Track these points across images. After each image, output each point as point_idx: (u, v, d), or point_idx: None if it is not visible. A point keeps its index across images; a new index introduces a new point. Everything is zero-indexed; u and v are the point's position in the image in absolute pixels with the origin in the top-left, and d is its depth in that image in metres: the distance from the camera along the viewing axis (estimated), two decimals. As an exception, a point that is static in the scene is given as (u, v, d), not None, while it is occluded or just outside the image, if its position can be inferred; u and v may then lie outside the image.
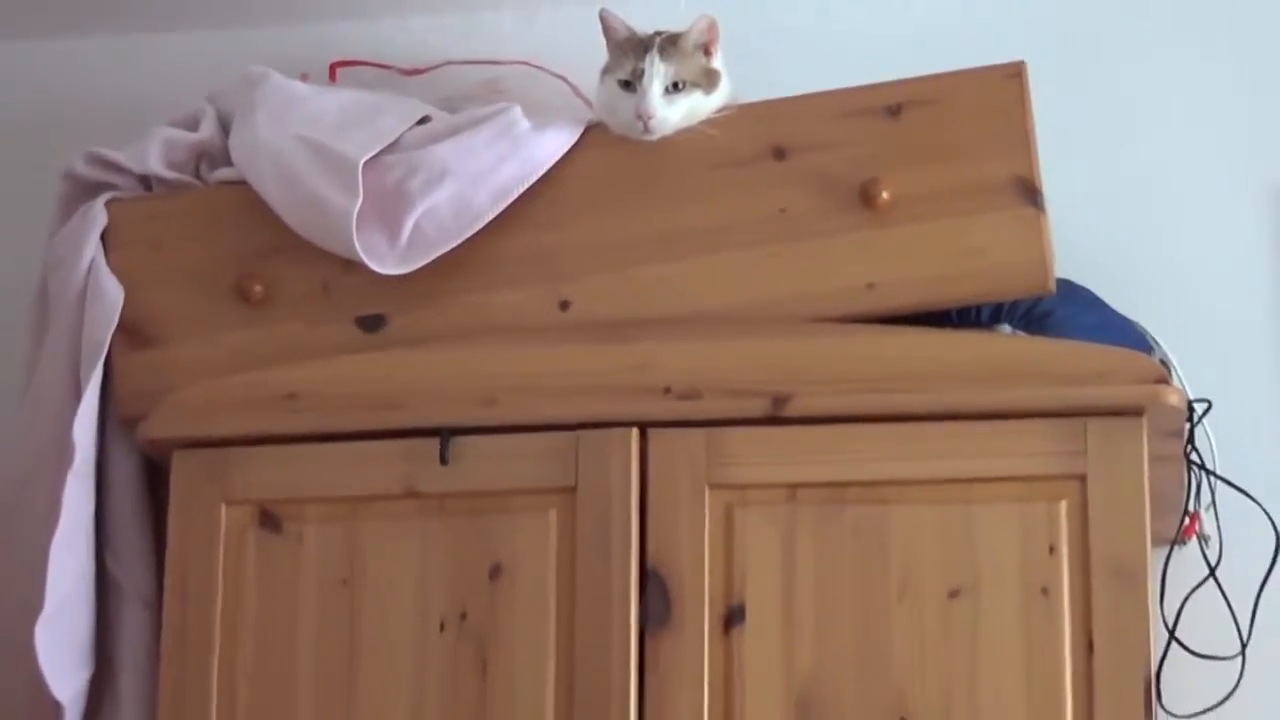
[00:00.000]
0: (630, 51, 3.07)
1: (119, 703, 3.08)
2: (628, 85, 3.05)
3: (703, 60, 3.09)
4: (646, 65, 3.04)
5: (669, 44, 3.06)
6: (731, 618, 2.89)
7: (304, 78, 3.25)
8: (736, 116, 3.07)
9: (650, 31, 3.07)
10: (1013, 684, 2.81)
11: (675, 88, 3.05)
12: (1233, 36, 3.56)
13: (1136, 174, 3.50)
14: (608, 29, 3.10)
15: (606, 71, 3.10)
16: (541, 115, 3.10)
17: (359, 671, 2.94)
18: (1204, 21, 3.55)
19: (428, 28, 3.42)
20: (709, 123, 3.05)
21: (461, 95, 3.22)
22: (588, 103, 3.26)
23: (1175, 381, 2.96)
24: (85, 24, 3.64)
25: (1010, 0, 3.48)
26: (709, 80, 3.08)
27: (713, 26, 3.08)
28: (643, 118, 3.02)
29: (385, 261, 3.00)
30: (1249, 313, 3.47)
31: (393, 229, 3.00)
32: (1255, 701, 3.20)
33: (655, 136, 3.03)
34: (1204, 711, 3.16)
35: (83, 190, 3.21)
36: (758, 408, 2.92)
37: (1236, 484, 3.17)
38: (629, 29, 3.09)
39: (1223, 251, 3.49)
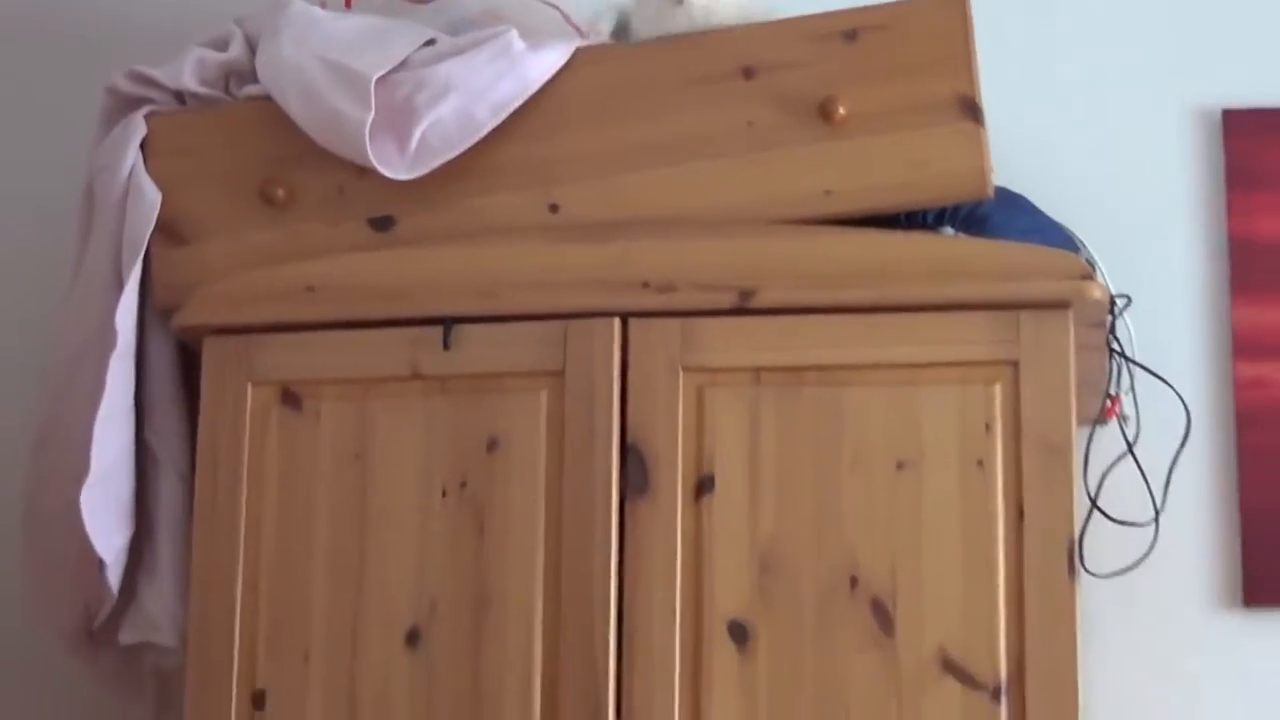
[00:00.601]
0: None
1: (157, 561, 3.08)
2: None
3: None
4: None
5: None
6: (702, 487, 2.90)
7: (323, 4, 3.23)
8: (710, 39, 3.04)
9: None
10: (951, 546, 2.82)
11: None
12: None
13: (1069, 91, 3.50)
14: None
15: None
16: (536, 38, 3.07)
17: (369, 533, 2.95)
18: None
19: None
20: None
21: (464, 21, 3.19)
22: (577, 29, 3.23)
23: (1099, 278, 2.95)
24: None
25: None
26: None
27: None
28: None
29: (395, 168, 2.98)
30: (1167, 218, 3.48)
31: (402, 139, 2.98)
32: (1166, 562, 3.23)
33: (685, 3, 3.03)
34: (1121, 572, 3.18)
35: (124, 104, 3.19)
36: (726, 300, 2.92)
37: (1153, 370, 3.18)
38: None
39: (1145, 163, 3.49)
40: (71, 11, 3.69)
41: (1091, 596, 3.04)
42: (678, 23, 3.05)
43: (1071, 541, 2.81)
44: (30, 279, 3.51)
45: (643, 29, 3.13)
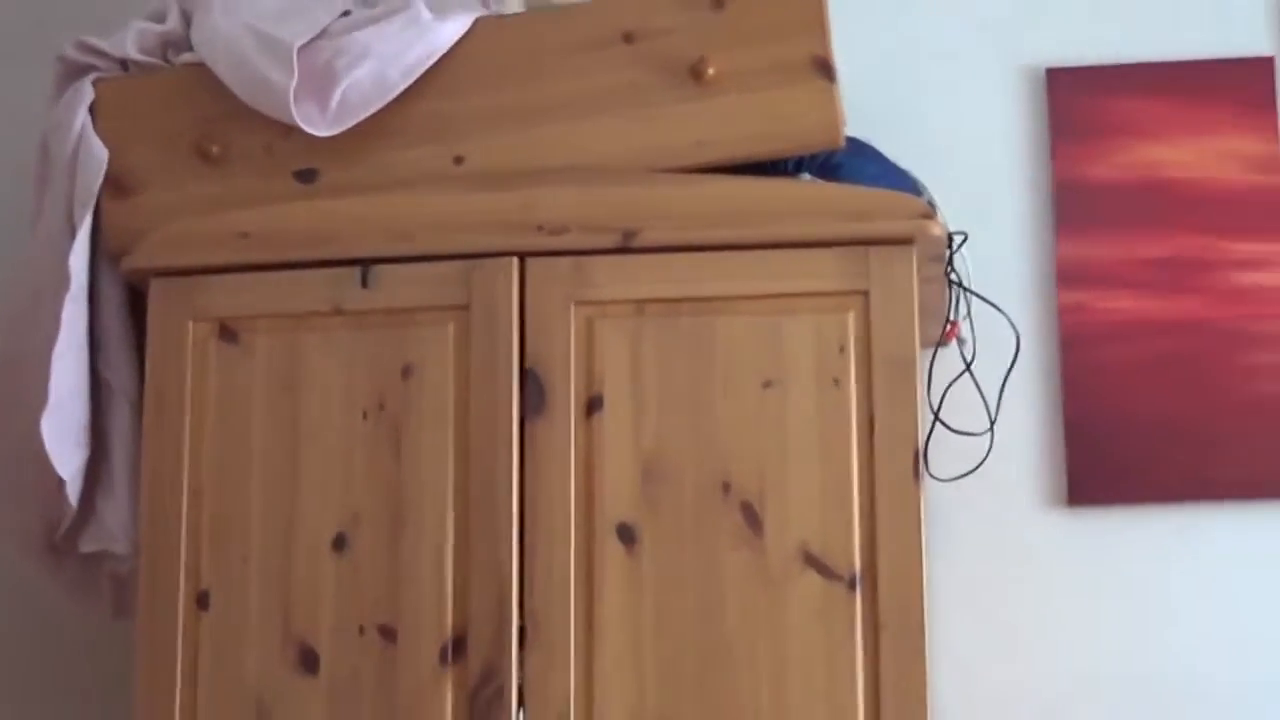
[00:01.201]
0: None
1: (112, 479, 3.08)
2: None
3: None
4: None
5: None
6: (592, 406, 2.91)
7: (250, -20, 3.23)
8: (594, 8, 3.05)
9: None
10: (811, 455, 2.85)
11: None
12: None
13: (913, 51, 3.52)
14: None
15: None
16: (442, 9, 3.07)
17: (299, 451, 2.96)
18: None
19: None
20: None
21: None
22: (480, 1, 3.22)
23: (938, 218, 2.97)
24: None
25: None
26: None
27: None
28: None
29: (317, 126, 2.98)
30: (1000, 164, 3.51)
31: (323, 99, 2.98)
32: (1000, 467, 3.27)
33: None
34: (961, 476, 3.23)
35: (74, 71, 3.17)
36: (611, 240, 2.94)
37: (987, 298, 3.22)
38: None
39: (981, 116, 3.52)
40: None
41: (935, 497, 3.11)
42: None
43: (916, 450, 2.84)
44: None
45: None
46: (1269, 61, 3.48)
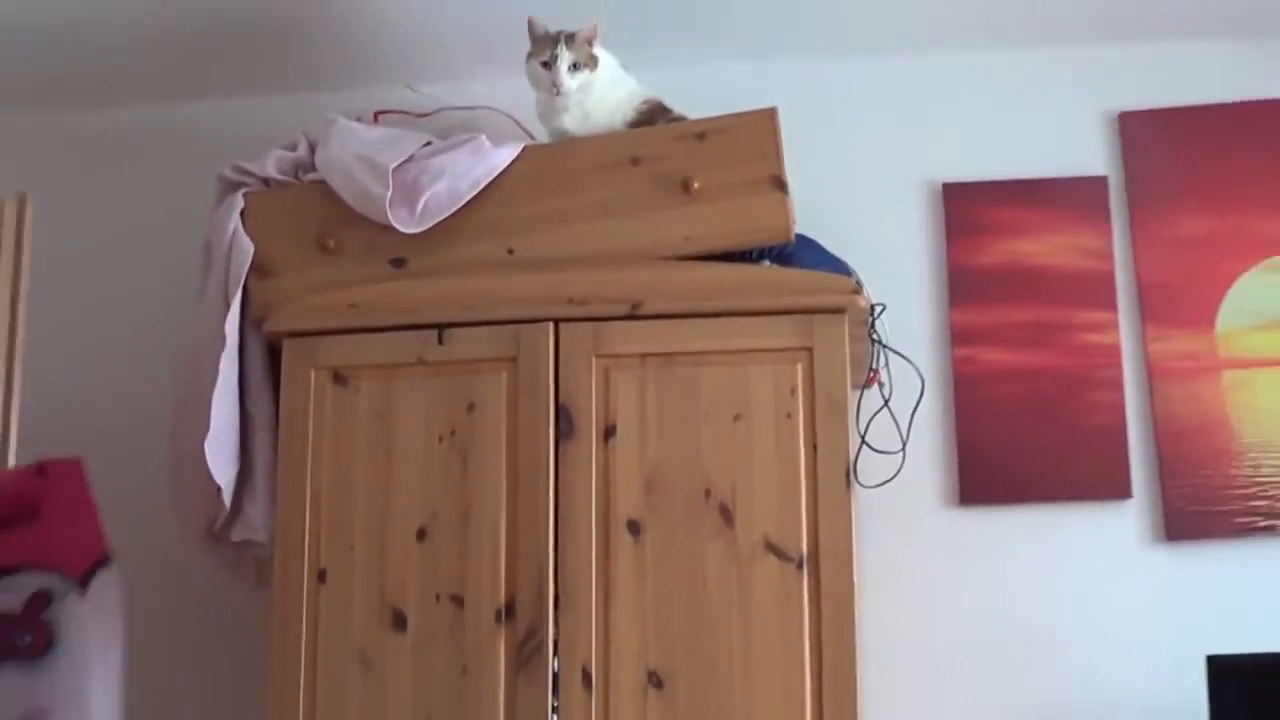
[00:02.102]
0: (547, 42, 3.02)
1: (255, 487, 3.03)
2: (545, 65, 3.01)
3: (588, 49, 3.02)
4: (558, 51, 2.99)
5: (569, 38, 3.00)
6: (609, 433, 2.87)
7: (359, 120, 3.18)
8: (610, 140, 3.02)
9: (556, 30, 3.01)
10: (770, 469, 2.82)
11: (575, 67, 3.00)
12: (905, 74, 3.51)
13: (844, 169, 3.43)
14: (532, 27, 3.04)
15: (532, 56, 3.04)
16: (498, 139, 3.04)
17: (392, 467, 2.91)
18: (881, 50, 3.48)
19: (444, 90, 3.34)
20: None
21: (450, 128, 3.16)
22: (527, 132, 3.19)
23: (864, 293, 2.94)
24: (236, 89, 3.59)
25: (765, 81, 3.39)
26: (592, 62, 3.02)
27: (594, 28, 3.02)
28: (556, 84, 2.99)
29: (407, 226, 2.96)
30: (909, 253, 3.43)
31: (411, 206, 2.95)
32: (910, 477, 3.20)
33: (562, 95, 3.01)
34: (881, 484, 3.15)
35: (229, 186, 3.14)
36: (623, 310, 2.90)
37: (900, 352, 3.15)
38: (545, 28, 3.03)
39: (894, 218, 3.44)
40: (198, 125, 3.60)
41: (862, 500, 3.05)
42: (559, 105, 3.03)
43: (848, 465, 2.81)
44: (169, 309, 3.39)
45: (541, 122, 3.11)
46: (1104, 179, 3.42)
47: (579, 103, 3.03)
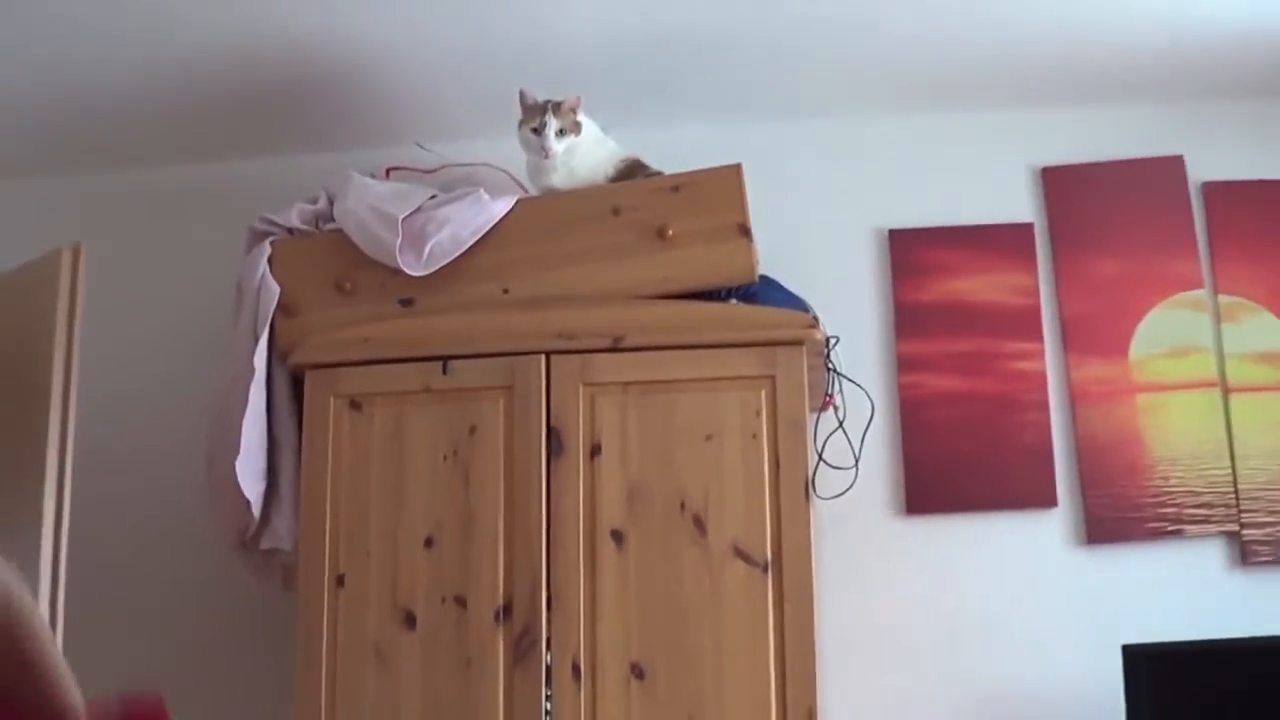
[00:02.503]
0: (536, 111, 2.99)
1: (281, 502, 2.98)
2: (535, 131, 2.98)
3: (572, 116, 3.00)
4: (546, 119, 2.97)
5: (556, 106, 2.98)
6: (594, 451, 2.83)
7: (372, 175, 3.15)
8: (594, 193, 2.99)
9: (545, 99, 2.99)
10: (738, 483, 2.78)
11: (561, 133, 2.98)
12: (854, 134, 3.45)
13: (801, 215, 3.37)
14: (523, 98, 3.01)
15: (523, 123, 3.01)
16: (495, 192, 3.00)
17: (402, 481, 2.86)
18: (832, 112, 3.43)
19: (449, 149, 3.30)
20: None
21: (453, 183, 3.14)
22: (521, 186, 3.14)
23: (820, 327, 2.90)
24: (263, 149, 3.54)
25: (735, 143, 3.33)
26: (576, 128, 3.00)
27: (577, 99, 3.00)
28: (545, 149, 2.97)
29: (415, 269, 2.92)
30: (859, 292, 3.38)
31: (418, 252, 2.91)
32: (861, 490, 3.14)
33: (550, 159, 2.98)
34: (836, 496, 3.10)
35: (258, 235, 3.10)
36: (606, 343, 2.86)
37: (852, 379, 3.13)
38: (535, 98, 3.00)
39: (845, 260, 3.39)
40: (231, 182, 3.55)
41: (820, 510, 3.00)
42: (548, 166, 3.01)
43: (807, 479, 2.79)
44: (205, 343, 3.33)
45: (530, 181, 3.09)
46: (1029, 226, 3.38)
47: (565, 163, 3.00)
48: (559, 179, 3.01)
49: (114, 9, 2.95)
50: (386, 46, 3.13)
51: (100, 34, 3.03)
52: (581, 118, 3.01)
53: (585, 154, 3.02)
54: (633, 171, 3.04)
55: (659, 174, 3.01)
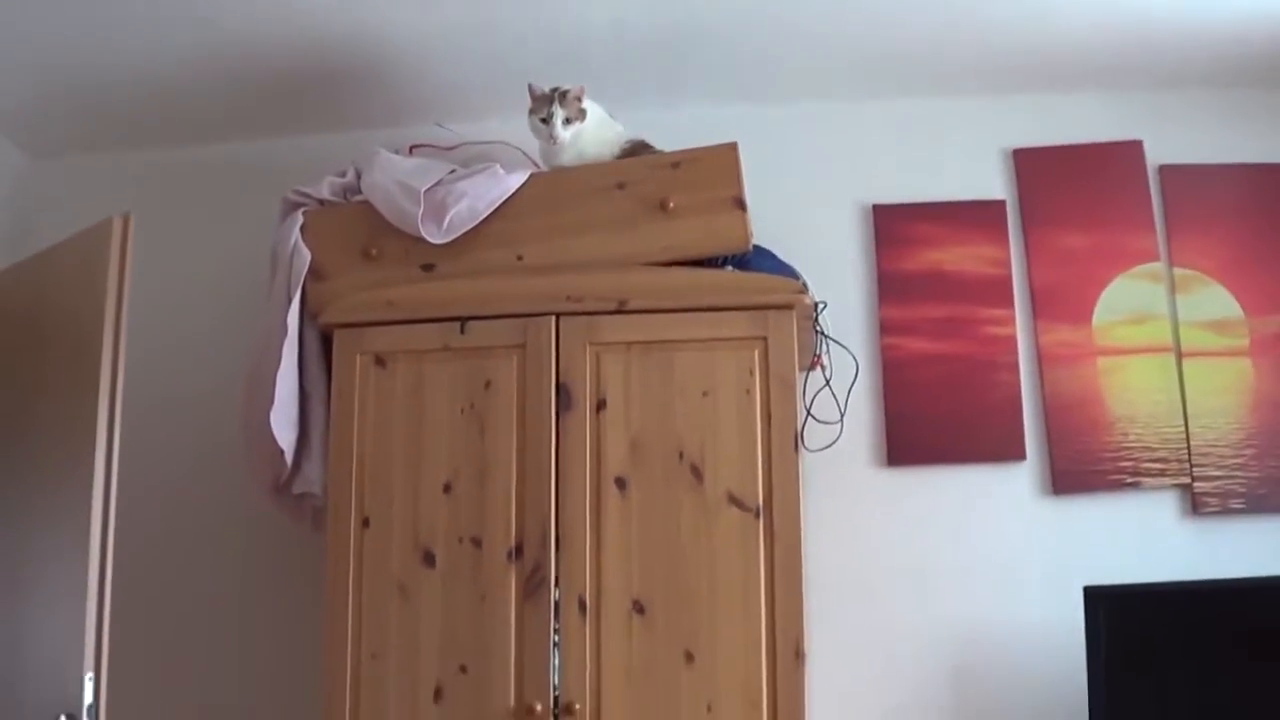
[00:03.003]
0: (544, 101, 2.91)
1: (312, 450, 2.89)
2: (544, 120, 2.90)
3: (578, 104, 2.91)
4: (553, 108, 2.89)
5: (562, 95, 2.90)
6: (600, 406, 2.75)
7: (396, 152, 3.06)
8: (600, 169, 2.90)
9: (551, 89, 2.91)
10: (732, 437, 2.71)
11: (567, 121, 2.89)
12: (842, 116, 3.36)
13: (793, 190, 3.27)
14: (531, 90, 2.93)
15: (532, 113, 2.93)
16: (510, 167, 2.92)
17: (422, 432, 2.78)
18: (823, 96, 3.34)
19: (467, 128, 3.23)
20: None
21: (471, 159, 3.05)
22: (534, 162, 3.05)
23: (809, 293, 2.83)
24: (298, 128, 3.45)
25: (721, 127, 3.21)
26: (581, 115, 2.91)
27: (581, 88, 2.91)
28: (553, 136, 2.89)
29: (435, 238, 2.83)
30: (845, 262, 3.28)
31: (439, 221, 2.83)
32: (846, 443, 3.09)
33: (558, 144, 2.90)
34: (823, 448, 3.02)
35: (291, 206, 3.01)
36: (612, 306, 2.78)
37: (838, 340, 3.05)
38: (542, 89, 2.92)
39: (834, 231, 3.30)
40: (267, 158, 3.47)
41: (808, 461, 2.88)
42: (557, 150, 2.93)
43: (796, 433, 2.72)
44: (242, 305, 3.25)
45: (543, 163, 3.00)
46: (1002, 203, 3.31)
47: (573, 145, 2.93)
48: (568, 159, 2.92)
49: (162, 2, 2.92)
50: (410, 34, 3.07)
51: (149, 24, 2.99)
52: (586, 103, 2.92)
53: (591, 137, 2.94)
54: (637, 151, 2.95)
55: (662, 153, 2.90)
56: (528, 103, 2.93)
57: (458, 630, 2.68)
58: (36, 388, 2.89)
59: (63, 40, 3.03)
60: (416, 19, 3.00)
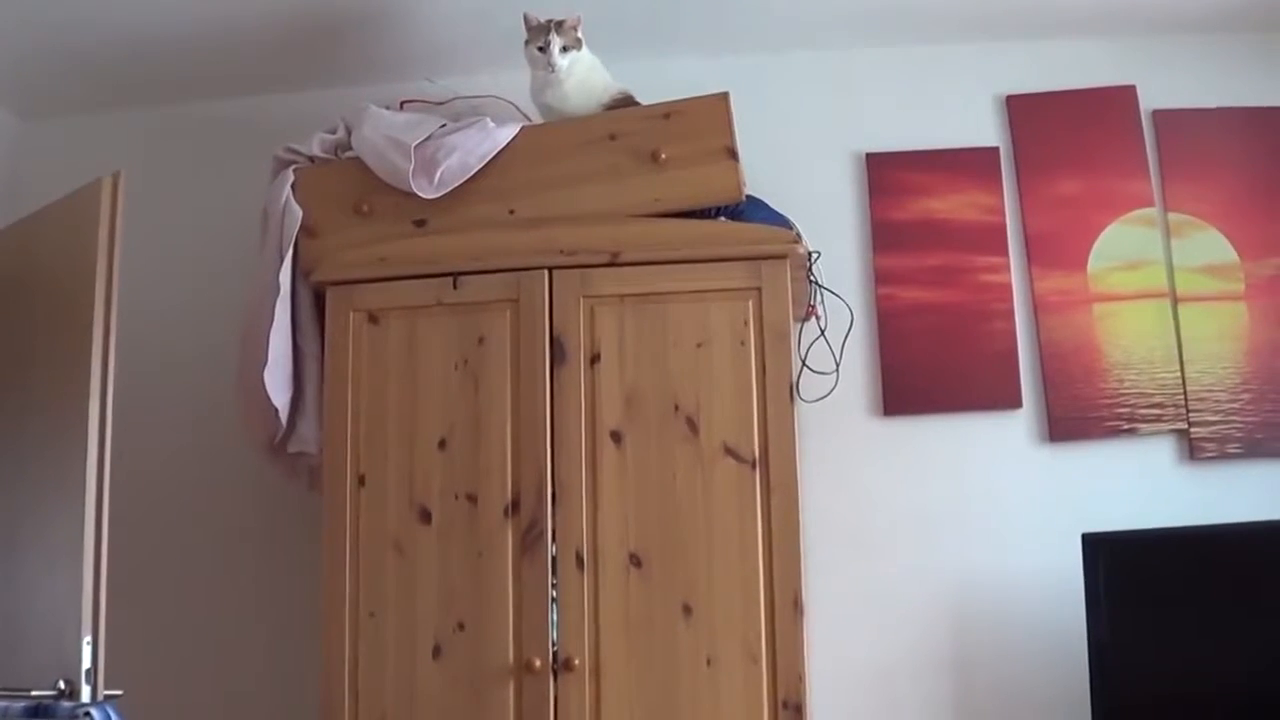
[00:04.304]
0: (541, 30, 2.84)
1: (306, 408, 2.84)
2: (541, 49, 2.82)
3: (574, 33, 2.84)
4: (550, 36, 2.81)
5: (559, 25, 2.83)
6: (594, 359, 2.69)
7: (387, 107, 2.98)
8: (591, 119, 2.83)
9: (548, 19, 2.84)
10: (728, 386, 2.65)
11: (564, 49, 2.82)
12: (834, 64, 3.28)
13: (786, 140, 3.19)
14: (527, 20, 2.85)
15: (529, 42, 2.85)
16: (500, 120, 2.85)
17: (417, 389, 2.72)
18: (814, 44, 3.26)
19: (457, 83, 3.12)
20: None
21: (462, 113, 2.96)
22: (524, 115, 2.98)
23: (802, 242, 2.77)
24: (287, 85, 3.36)
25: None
26: (578, 43, 2.84)
27: (578, 17, 2.84)
28: (551, 63, 2.81)
29: (427, 192, 2.77)
30: (840, 209, 3.20)
31: (429, 176, 2.76)
32: (842, 393, 3.02)
33: (556, 72, 2.82)
34: (819, 399, 2.98)
35: (282, 164, 2.94)
36: (604, 259, 2.72)
37: (833, 290, 3.00)
38: (538, 19, 2.84)
39: (829, 181, 3.22)
40: (258, 115, 3.38)
41: (803, 412, 2.85)
42: (555, 84, 2.85)
43: (790, 383, 2.66)
44: (234, 263, 3.17)
45: (533, 99, 2.92)
46: (995, 150, 3.24)
47: (570, 75, 2.84)
48: (556, 97, 2.85)
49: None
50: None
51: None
52: (581, 36, 2.85)
53: (584, 77, 2.86)
54: (622, 104, 2.87)
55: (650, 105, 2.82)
56: (521, 49, 2.85)
57: (455, 587, 2.62)
58: (29, 351, 2.82)
59: (49, 1, 2.93)
60: (404, -27, 2.94)
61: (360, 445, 2.71)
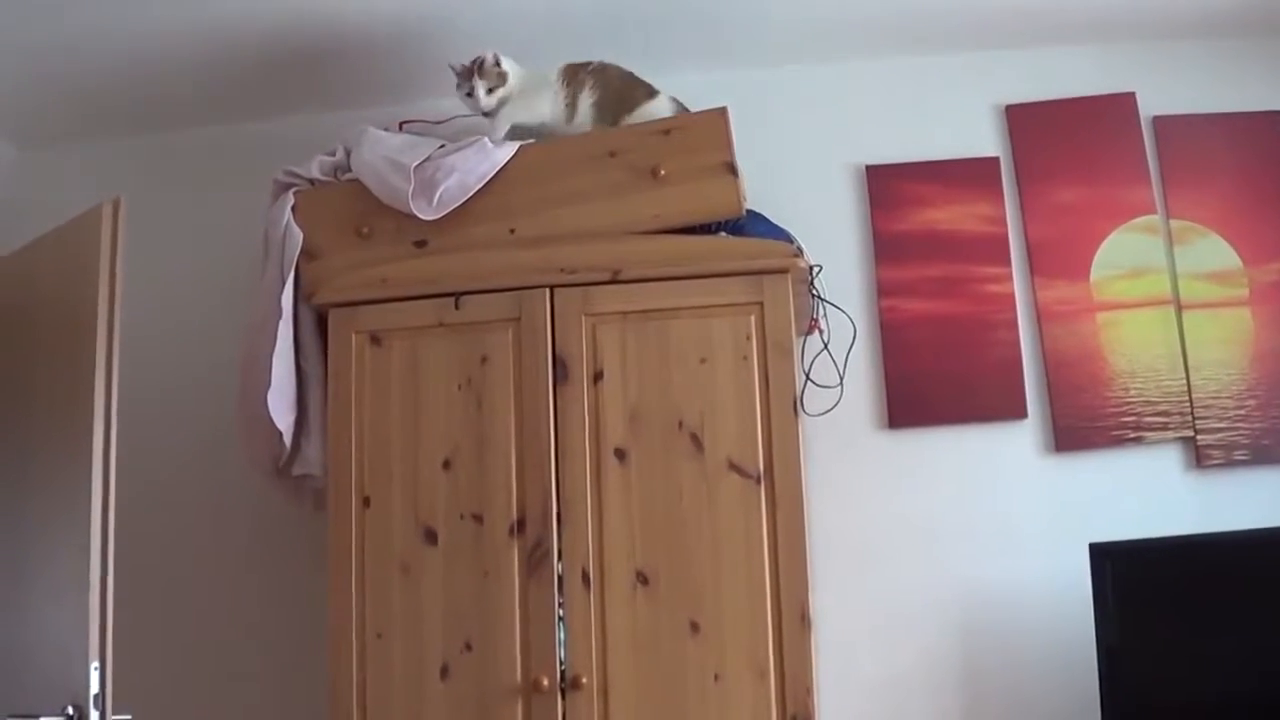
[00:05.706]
0: (465, 75, 2.88)
1: (310, 430, 2.84)
2: (469, 95, 2.88)
3: (496, 69, 2.86)
4: (474, 82, 2.86)
5: (480, 66, 2.86)
6: (598, 377, 2.69)
7: (386, 128, 2.98)
8: (590, 137, 2.85)
9: (470, 61, 2.88)
10: (731, 402, 2.65)
11: (490, 90, 2.86)
12: (832, 77, 3.29)
13: (786, 153, 3.21)
14: (453, 67, 2.89)
15: (458, 89, 2.90)
16: (499, 141, 2.86)
17: (420, 410, 2.73)
18: (812, 58, 3.27)
19: (449, 105, 3.10)
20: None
21: (459, 134, 2.95)
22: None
23: (804, 256, 2.78)
24: (286, 109, 3.38)
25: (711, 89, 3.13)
26: (502, 79, 2.86)
27: (494, 54, 2.86)
28: (479, 105, 2.86)
29: (426, 214, 2.78)
30: (841, 223, 3.21)
31: (429, 197, 2.77)
32: (846, 406, 3.02)
33: (485, 110, 2.87)
34: (823, 413, 2.99)
35: (282, 187, 2.95)
36: (605, 276, 2.73)
37: (835, 304, 3.00)
38: (461, 64, 2.89)
39: (829, 193, 3.23)
40: (257, 139, 3.40)
41: (808, 426, 2.85)
42: (499, 120, 2.89)
43: (795, 398, 2.67)
44: (235, 287, 3.19)
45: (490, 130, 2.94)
46: (995, 160, 3.25)
47: (506, 102, 2.88)
48: (510, 117, 2.88)
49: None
50: (397, 10, 2.99)
51: (134, 6, 2.91)
52: (507, 65, 2.87)
53: (523, 103, 2.88)
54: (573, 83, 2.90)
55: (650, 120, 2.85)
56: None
57: (462, 607, 2.63)
58: (32, 378, 2.83)
59: (46, 28, 2.96)
60: (403, -3, 2.96)
61: (365, 467, 2.72)
